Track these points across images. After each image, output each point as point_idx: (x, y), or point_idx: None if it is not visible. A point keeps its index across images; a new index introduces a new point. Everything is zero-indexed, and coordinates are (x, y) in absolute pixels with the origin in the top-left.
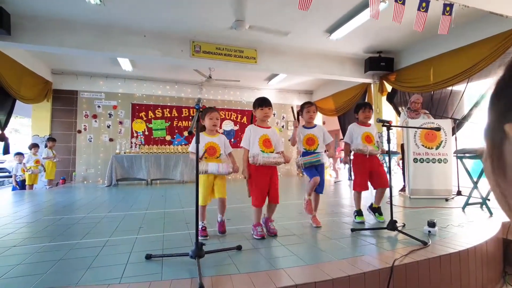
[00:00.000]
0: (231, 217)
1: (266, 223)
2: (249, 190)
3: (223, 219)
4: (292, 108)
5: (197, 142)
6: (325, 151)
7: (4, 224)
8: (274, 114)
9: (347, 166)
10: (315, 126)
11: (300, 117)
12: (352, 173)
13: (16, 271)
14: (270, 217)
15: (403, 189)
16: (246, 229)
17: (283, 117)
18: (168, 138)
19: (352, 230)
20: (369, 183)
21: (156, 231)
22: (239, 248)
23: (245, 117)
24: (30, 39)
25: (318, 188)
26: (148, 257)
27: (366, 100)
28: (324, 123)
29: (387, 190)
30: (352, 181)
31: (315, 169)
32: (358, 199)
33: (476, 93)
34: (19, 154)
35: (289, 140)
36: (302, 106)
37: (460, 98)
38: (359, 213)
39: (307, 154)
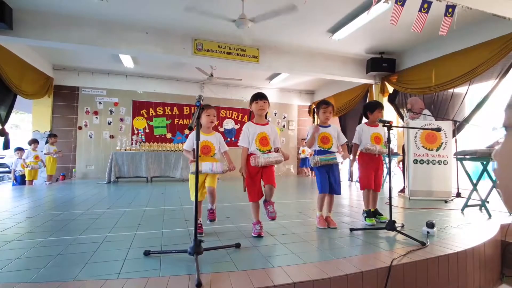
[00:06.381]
0: (230, 215)
1: (265, 206)
2: (245, 185)
3: (213, 207)
4: (312, 109)
5: (197, 138)
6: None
7: (3, 218)
8: (275, 114)
9: (353, 166)
10: (329, 125)
11: (314, 115)
12: (358, 173)
13: (14, 265)
14: (270, 200)
15: (402, 190)
16: (245, 227)
17: (284, 117)
18: (168, 136)
19: (351, 229)
20: None
21: (155, 227)
22: (237, 245)
23: (246, 116)
24: (32, 33)
25: (335, 190)
26: (147, 253)
27: (367, 101)
28: None
29: (383, 191)
30: (354, 182)
31: (326, 172)
32: (367, 198)
33: (477, 96)
34: (20, 149)
35: (305, 141)
36: (319, 106)
37: (461, 100)
38: (369, 214)
39: (321, 153)
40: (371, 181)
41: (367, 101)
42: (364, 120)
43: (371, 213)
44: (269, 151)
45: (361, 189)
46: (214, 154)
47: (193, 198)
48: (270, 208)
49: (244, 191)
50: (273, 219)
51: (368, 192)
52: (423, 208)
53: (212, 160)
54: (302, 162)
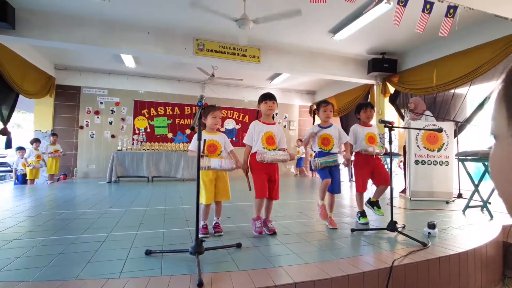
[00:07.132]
0: (231, 215)
1: (264, 224)
2: (249, 184)
3: (219, 220)
4: (311, 108)
5: (199, 138)
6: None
7: (4, 217)
8: (276, 114)
9: (349, 166)
10: (331, 125)
11: (315, 116)
12: (353, 174)
13: (16, 264)
14: (268, 218)
15: (403, 191)
16: (246, 227)
17: (285, 117)
18: (170, 135)
19: (352, 230)
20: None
21: (156, 227)
22: (238, 245)
23: (247, 116)
24: (34, 33)
25: (335, 189)
26: (148, 253)
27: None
28: None
29: (387, 189)
30: (354, 182)
31: (328, 171)
32: (360, 200)
33: (478, 96)
34: (21, 148)
35: (301, 141)
36: (319, 105)
37: (462, 101)
38: (362, 214)
39: (322, 154)
40: (365, 184)
41: (368, 101)
42: None
43: (365, 213)
44: (278, 151)
45: (356, 191)
46: (220, 153)
47: (206, 201)
48: (270, 224)
49: (250, 190)
50: (274, 232)
51: (361, 195)
52: (424, 208)
53: (220, 158)
54: (297, 162)
